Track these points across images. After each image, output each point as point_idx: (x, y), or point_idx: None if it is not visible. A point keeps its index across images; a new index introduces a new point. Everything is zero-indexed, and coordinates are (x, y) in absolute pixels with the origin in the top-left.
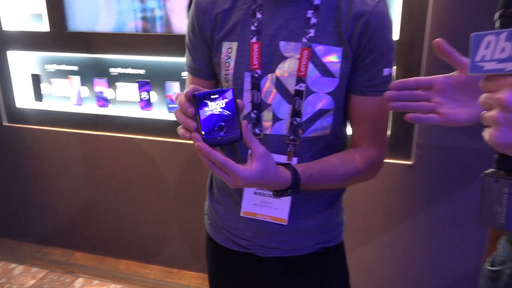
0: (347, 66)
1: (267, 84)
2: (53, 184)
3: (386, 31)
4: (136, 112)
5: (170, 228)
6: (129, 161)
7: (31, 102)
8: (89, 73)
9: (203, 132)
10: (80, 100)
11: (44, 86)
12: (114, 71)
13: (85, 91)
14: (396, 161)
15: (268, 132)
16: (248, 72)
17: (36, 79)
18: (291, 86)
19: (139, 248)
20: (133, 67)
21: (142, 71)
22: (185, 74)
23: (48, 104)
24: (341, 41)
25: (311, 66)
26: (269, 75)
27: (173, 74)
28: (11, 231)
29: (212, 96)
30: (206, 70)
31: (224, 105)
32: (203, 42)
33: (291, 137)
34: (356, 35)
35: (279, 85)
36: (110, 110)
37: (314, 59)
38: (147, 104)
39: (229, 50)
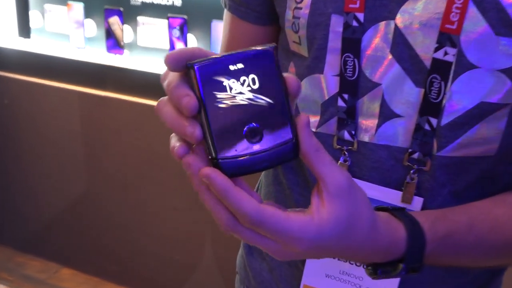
0: None
1: (376, 42)
2: (39, 164)
3: None
4: (163, 66)
5: (201, 251)
6: (148, 140)
7: (15, 39)
8: (99, 0)
9: (214, 147)
10: (83, 41)
11: (33, 16)
12: None
13: (91, 27)
14: None
15: (367, 139)
16: (339, 15)
17: (22, 5)
18: (426, 50)
19: (153, 274)
20: None
21: (176, 2)
22: None
23: (37, 44)
24: None
25: (473, 12)
26: (382, 25)
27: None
28: None
29: (231, 67)
30: (257, 6)
31: (257, 85)
32: None
33: (416, 154)
34: None
35: (400, 46)
36: (126, 60)
37: None
38: None
39: None
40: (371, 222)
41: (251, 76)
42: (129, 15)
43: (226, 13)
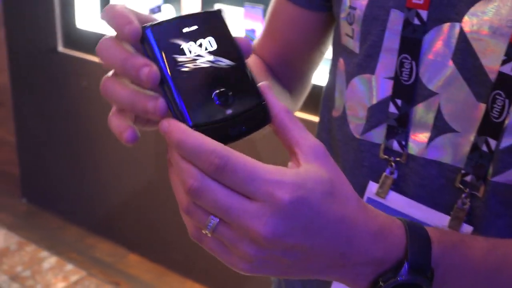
0: None
1: (437, 45)
2: (113, 148)
3: None
4: None
5: None
6: None
7: (96, 22)
8: None
9: (186, 116)
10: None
11: None
12: None
13: (170, 12)
14: None
15: (417, 152)
16: (399, 11)
17: None
18: (492, 62)
19: (217, 269)
20: None
21: None
22: None
23: None
24: None
25: None
26: (445, 27)
27: None
28: (53, 204)
29: (184, 30)
30: None
31: (215, 47)
32: None
33: (469, 177)
34: None
35: (464, 53)
36: None
37: None
38: None
39: None
40: (357, 197)
41: (207, 38)
42: (207, 2)
43: None
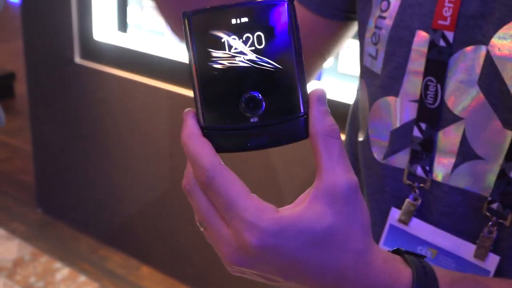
0: None
1: (463, 69)
2: (127, 159)
3: None
4: None
5: None
6: None
7: (113, 34)
8: None
9: (202, 114)
10: (178, 39)
11: (132, 11)
12: None
13: None
14: None
15: (441, 178)
16: (425, 32)
17: (122, 1)
18: None
19: (229, 283)
20: None
21: None
22: None
23: (133, 38)
24: None
25: None
26: (471, 50)
27: None
28: (68, 214)
29: (233, 21)
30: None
31: (263, 44)
32: None
33: (495, 205)
34: None
35: (490, 77)
36: None
37: None
38: None
39: None
40: (361, 251)
41: (257, 33)
42: None
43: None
